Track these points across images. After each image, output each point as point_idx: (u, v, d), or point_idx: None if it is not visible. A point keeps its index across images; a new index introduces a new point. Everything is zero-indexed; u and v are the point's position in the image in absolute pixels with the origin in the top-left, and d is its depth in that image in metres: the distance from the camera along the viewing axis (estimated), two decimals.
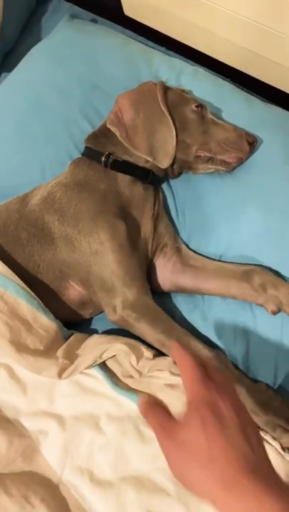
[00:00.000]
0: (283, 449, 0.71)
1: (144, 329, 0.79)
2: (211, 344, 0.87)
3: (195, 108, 0.90)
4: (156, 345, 0.80)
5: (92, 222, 0.83)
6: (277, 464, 0.70)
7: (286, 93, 1.11)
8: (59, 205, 0.85)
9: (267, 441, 0.71)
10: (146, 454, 0.72)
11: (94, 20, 1.25)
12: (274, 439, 0.72)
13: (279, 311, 0.83)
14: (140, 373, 0.79)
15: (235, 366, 0.84)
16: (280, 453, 0.71)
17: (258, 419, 0.73)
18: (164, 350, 0.79)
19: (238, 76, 1.13)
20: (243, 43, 1.05)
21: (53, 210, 0.85)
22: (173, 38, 1.21)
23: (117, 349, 0.78)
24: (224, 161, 0.90)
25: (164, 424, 0.48)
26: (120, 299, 0.80)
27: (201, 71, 1.06)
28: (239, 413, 0.46)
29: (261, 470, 0.43)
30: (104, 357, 0.78)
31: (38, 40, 1.16)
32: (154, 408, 0.50)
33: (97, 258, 0.82)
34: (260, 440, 0.46)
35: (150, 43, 1.21)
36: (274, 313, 0.83)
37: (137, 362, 0.78)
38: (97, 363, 0.78)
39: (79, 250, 0.83)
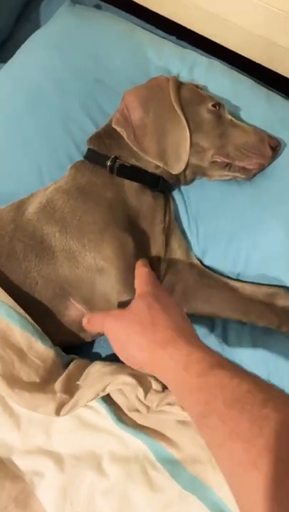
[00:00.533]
0: None
1: None
2: None
3: (212, 107, 0.80)
4: None
5: (99, 235, 0.74)
6: None
7: None
8: (60, 214, 0.76)
9: None
10: (155, 504, 0.64)
11: (98, 6, 1.14)
12: None
13: None
14: (148, 408, 0.70)
15: None
16: None
17: None
18: None
19: (258, 70, 1.03)
20: (264, 33, 0.94)
21: (53, 221, 0.76)
22: (185, 27, 1.10)
23: (121, 382, 0.69)
24: (243, 167, 0.80)
25: (112, 312, 0.63)
26: None
27: (217, 64, 0.95)
28: (180, 307, 0.61)
29: (193, 338, 0.55)
30: (108, 390, 0.70)
31: (36, 28, 1.05)
32: (94, 314, 0.66)
33: (102, 275, 0.73)
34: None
35: (160, 31, 1.10)
36: None
37: (145, 395, 0.70)
38: (100, 396, 0.69)
39: (83, 266, 0.74)
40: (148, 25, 1.11)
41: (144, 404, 0.70)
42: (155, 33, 1.06)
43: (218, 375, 0.46)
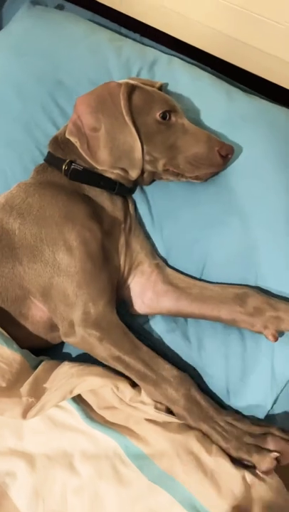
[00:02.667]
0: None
1: (107, 350, 0.72)
2: (191, 368, 0.80)
3: (160, 118, 0.79)
4: (120, 368, 0.72)
5: (56, 228, 0.75)
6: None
7: (270, 81, 1.01)
8: (18, 211, 0.77)
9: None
10: (124, 497, 0.66)
11: (60, 6, 1.14)
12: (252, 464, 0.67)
13: (280, 335, 0.74)
14: (121, 400, 0.72)
15: (210, 393, 0.78)
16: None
17: (230, 445, 0.67)
18: (127, 373, 0.72)
19: (220, 64, 1.03)
20: (223, 29, 0.95)
21: (12, 218, 0.77)
22: (147, 24, 1.10)
23: (88, 385, 0.71)
24: (195, 175, 0.81)
25: None
26: (81, 315, 0.72)
27: (177, 61, 0.96)
28: None
29: None
30: (75, 393, 0.71)
31: None
32: None
33: (61, 268, 0.73)
34: None
35: (123, 29, 1.11)
36: (275, 338, 0.73)
37: (117, 388, 0.71)
38: (67, 398, 0.70)
39: (41, 260, 0.74)
40: (112, 24, 1.11)
41: (117, 396, 0.72)
42: (118, 32, 1.07)
43: None
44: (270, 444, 0.67)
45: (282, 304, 0.75)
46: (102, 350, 0.72)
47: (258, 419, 0.76)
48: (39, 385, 0.73)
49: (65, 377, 0.72)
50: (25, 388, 0.71)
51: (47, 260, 0.74)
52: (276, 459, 0.66)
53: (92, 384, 0.70)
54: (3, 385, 0.70)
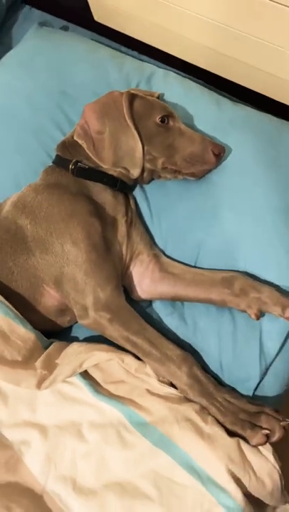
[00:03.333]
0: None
1: (116, 330, 0.79)
2: (188, 345, 0.87)
3: (159, 121, 0.89)
4: (128, 347, 0.80)
5: (63, 223, 0.83)
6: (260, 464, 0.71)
7: (255, 92, 1.11)
8: (30, 209, 0.86)
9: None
10: (128, 460, 0.72)
11: (65, 27, 1.25)
12: (244, 438, 0.73)
13: (262, 315, 0.83)
14: (127, 371, 0.79)
15: (206, 368, 0.84)
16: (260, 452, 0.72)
17: (226, 420, 0.74)
18: (134, 351, 0.80)
19: (210, 76, 1.14)
20: (211, 45, 1.05)
21: (24, 215, 0.85)
22: (145, 42, 1.21)
23: (96, 358, 0.78)
24: (191, 172, 0.90)
25: None
26: (92, 300, 0.80)
27: (172, 74, 1.06)
28: None
29: None
30: (85, 367, 0.78)
31: (9, 49, 1.16)
32: None
33: (70, 258, 0.82)
34: None
35: (123, 48, 1.21)
36: (257, 317, 0.83)
37: (123, 361, 0.79)
38: (77, 372, 0.78)
39: (51, 252, 0.83)
40: (113, 43, 1.22)
41: (124, 368, 0.79)
42: (118, 50, 1.17)
43: None
44: (263, 422, 0.74)
45: (266, 287, 0.83)
46: (112, 331, 0.80)
47: (253, 398, 0.83)
48: (51, 361, 0.80)
49: (75, 354, 0.80)
50: (39, 363, 0.78)
51: (57, 252, 0.82)
52: (266, 435, 0.73)
53: (100, 358, 0.78)
54: (19, 359, 0.77)
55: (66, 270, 0.82)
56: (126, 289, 0.90)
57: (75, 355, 0.80)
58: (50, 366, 0.79)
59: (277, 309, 0.81)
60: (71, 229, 0.82)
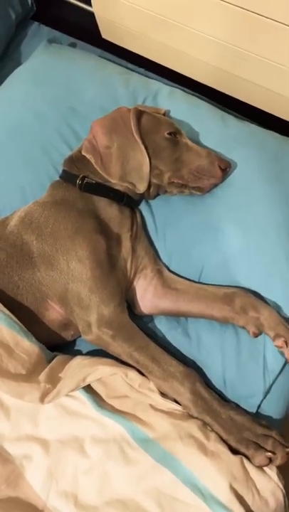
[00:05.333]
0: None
1: (119, 347, 0.80)
2: (191, 361, 0.87)
3: (167, 135, 0.90)
4: (131, 362, 0.80)
5: (69, 240, 0.84)
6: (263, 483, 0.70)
7: (260, 109, 1.13)
8: (36, 224, 0.86)
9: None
10: (131, 476, 0.71)
11: (73, 44, 1.28)
12: (247, 457, 0.72)
13: (260, 333, 0.84)
14: (131, 386, 0.79)
15: (210, 384, 0.84)
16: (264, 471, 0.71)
17: (230, 437, 0.73)
18: (138, 367, 0.80)
19: (215, 95, 1.15)
20: (217, 64, 1.07)
21: (30, 230, 0.86)
22: (151, 60, 1.23)
23: (100, 373, 0.78)
24: (198, 186, 0.91)
25: None
26: (96, 316, 0.81)
27: (178, 91, 1.08)
28: None
29: None
30: (88, 381, 0.78)
31: (18, 65, 1.18)
32: None
33: (75, 275, 0.82)
34: None
35: (130, 65, 1.23)
36: (255, 335, 0.83)
37: (126, 376, 0.79)
38: (80, 386, 0.78)
39: (57, 268, 0.83)
40: (120, 60, 1.24)
41: (127, 383, 0.79)
42: (126, 67, 1.19)
43: None
44: (268, 445, 0.73)
45: (266, 309, 0.83)
46: (115, 347, 0.80)
47: (256, 415, 0.83)
48: (55, 374, 0.80)
49: (78, 367, 0.80)
50: (42, 376, 0.78)
51: (62, 268, 0.83)
52: (269, 458, 0.72)
53: (104, 372, 0.78)
54: (23, 372, 0.77)
55: (71, 287, 0.83)
56: (129, 303, 0.90)
57: (78, 369, 0.80)
58: (53, 380, 0.79)
59: (271, 334, 0.82)
60: (77, 246, 0.83)
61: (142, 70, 1.22)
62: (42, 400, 0.76)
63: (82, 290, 0.82)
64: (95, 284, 0.82)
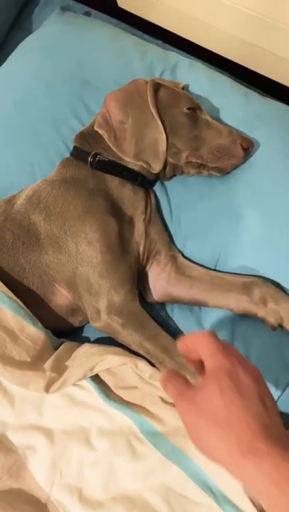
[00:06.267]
0: None
1: (129, 335, 0.76)
2: None
3: (187, 110, 0.84)
4: (142, 352, 0.76)
5: (79, 221, 0.79)
6: None
7: (286, 86, 1.05)
8: (44, 204, 0.81)
9: None
10: (139, 472, 0.68)
11: (87, 13, 1.20)
12: None
13: (279, 326, 0.79)
14: (140, 377, 0.75)
15: None
16: None
17: None
18: (148, 357, 0.76)
19: (238, 70, 1.08)
20: (241, 35, 1.00)
21: (38, 210, 0.81)
22: (170, 31, 1.16)
23: (109, 362, 0.74)
24: (217, 167, 0.85)
25: (182, 391, 0.49)
26: (106, 303, 0.76)
27: (198, 64, 1.01)
28: (258, 383, 0.47)
29: (277, 435, 0.43)
30: (96, 371, 0.74)
31: (29, 34, 1.11)
32: (174, 377, 0.51)
33: (84, 259, 0.78)
34: (276, 409, 0.47)
35: (147, 36, 1.16)
36: (273, 328, 0.78)
37: (136, 366, 0.75)
38: (88, 376, 0.74)
39: (65, 251, 0.79)
40: (136, 31, 1.17)
41: (137, 374, 0.75)
42: (142, 38, 1.12)
43: None
44: None
45: (286, 302, 0.78)
46: (125, 335, 0.76)
47: None
48: (61, 362, 0.76)
49: (86, 356, 0.76)
50: (48, 364, 0.74)
51: (71, 251, 0.78)
52: None
53: (112, 362, 0.74)
54: (28, 360, 0.74)
55: (80, 271, 0.78)
56: (140, 290, 0.86)
57: (86, 358, 0.76)
58: (59, 368, 0.75)
59: None
60: (87, 227, 0.78)
61: (159, 41, 1.15)
62: (47, 389, 0.72)
63: (92, 275, 0.77)
64: (105, 268, 0.77)
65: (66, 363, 0.77)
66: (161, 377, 0.51)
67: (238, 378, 0.46)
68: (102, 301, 0.76)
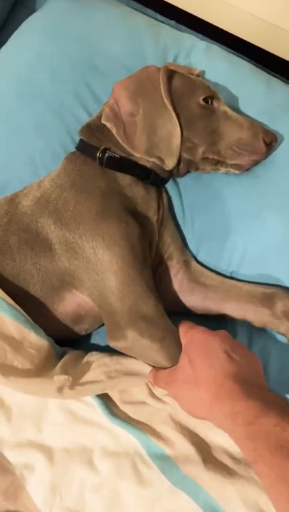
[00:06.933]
0: None
1: (160, 356, 0.68)
2: None
3: (203, 102, 0.77)
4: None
5: (94, 224, 0.72)
6: None
7: None
8: (54, 206, 0.74)
9: None
10: (144, 499, 0.63)
11: None
12: None
13: None
14: (150, 393, 0.70)
15: None
16: None
17: None
18: None
19: (259, 54, 0.99)
20: (264, 16, 0.91)
21: (47, 213, 0.74)
22: (185, 11, 1.07)
23: (129, 385, 0.69)
24: (236, 164, 0.78)
25: (165, 378, 0.64)
26: (133, 316, 0.68)
27: (215, 48, 0.92)
28: (224, 342, 0.59)
29: (237, 380, 0.54)
30: (117, 388, 0.69)
31: (32, 13, 1.02)
32: (159, 370, 0.66)
33: (104, 264, 0.70)
34: (250, 361, 0.59)
35: (159, 16, 1.07)
36: None
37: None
38: (106, 391, 0.69)
39: (82, 257, 0.72)
40: (148, 10, 1.08)
41: (147, 388, 0.70)
42: (154, 18, 1.04)
43: (262, 423, 0.49)
44: None
45: None
46: (153, 355, 0.68)
47: None
48: (70, 368, 0.71)
49: (99, 366, 0.71)
50: (57, 369, 0.69)
51: (88, 257, 0.71)
52: None
53: (134, 383, 0.69)
54: (32, 368, 0.68)
55: (101, 278, 0.70)
56: None
57: (100, 370, 0.70)
58: (72, 372, 0.70)
59: None
60: (103, 230, 0.71)
61: (172, 22, 1.06)
62: (60, 390, 0.66)
63: (114, 282, 0.69)
64: (128, 275, 0.69)
65: (76, 370, 0.71)
66: (150, 375, 0.65)
67: (206, 344, 0.59)
68: (127, 313, 0.68)
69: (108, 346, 0.79)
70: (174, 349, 0.67)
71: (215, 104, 0.78)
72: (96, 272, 0.71)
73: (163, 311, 0.70)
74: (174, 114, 0.74)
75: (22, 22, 1.00)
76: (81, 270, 0.72)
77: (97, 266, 0.71)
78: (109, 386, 0.68)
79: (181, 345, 0.68)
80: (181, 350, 0.67)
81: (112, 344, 0.71)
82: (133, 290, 0.68)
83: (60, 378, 0.67)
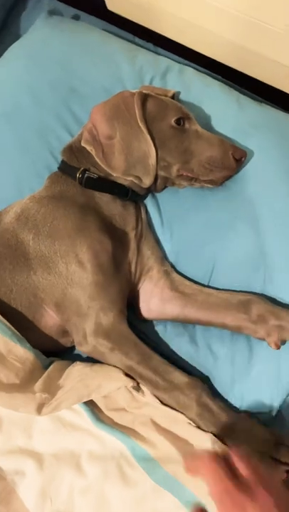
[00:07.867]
0: None
1: (118, 360, 0.73)
2: (198, 371, 0.81)
3: (175, 124, 0.81)
4: (134, 376, 0.73)
5: (69, 240, 0.76)
6: None
7: (280, 90, 1.02)
8: (33, 222, 0.79)
9: None
10: (129, 499, 0.66)
11: (76, 16, 1.17)
12: None
13: (283, 343, 0.76)
14: (132, 397, 0.73)
15: (218, 396, 0.78)
16: None
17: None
18: (140, 381, 0.73)
19: (231, 74, 1.05)
20: (233, 38, 0.96)
21: (27, 229, 0.78)
22: (160, 34, 1.12)
23: (105, 389, 0.72)
24: (209, 179, 0.82)
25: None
26: (93, 326, 0.74)
27: (189, 70, 0.98)
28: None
29: None
30: (92, 397, 0.72)
31: (17, 38, 1.07)
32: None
33: (74, 280, 0.75)
34: None
35: (138, 39, 1.13)
36: (277, 346, 0.75)
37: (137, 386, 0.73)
38: (83, 401, 0.71)
39: (55, 272, 0.76)
40: (126, 34, 1.13)
41: (130, 394, 0.73)
42: (133, 41, 1.09)
43: None
44: (282, 455, 0.67)
45: (285, 313, 0.75)
46: (113, 360, 0.74)
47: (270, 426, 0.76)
48: (52, 382, 0.74)
49: (80, 377, 0.73)
50: (39, 385, 0.72)
51: (60, 272, 0.76)
52: (287, 471, 0.66)
53: (109, 388, 0.72)
54: (17, 382, 0.71)
55: (69, 292, 0.75)
56: (132, 307, 0.84)
57: (80, 380, 0.73)
58: (51, 388, 0.73)
59: None
60: (77, 247, 0.75)
61: (150, 45, 1.11)
62: (39, 410, 0.70)
63: (82, 297, 0.74)
64: (95, 290, 0.74)
65: (58, 382, 0.74)
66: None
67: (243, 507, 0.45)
68: (89, 323, 0.74)
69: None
70: (124, 359, 0.72)
71: (187, 124, 0.82)
72: (65, 287, 0.75)
73: (121, 324, 0.75)
74: (148, 137, 0.78)
75: (7, 47, 1.05)
76: (52, 285, 0.76)
77: (68, 281, 0.75)
78: (85, 396, 0.71)
79: (133, 355, 0.72)
80: (133, 361, 0.72)
81: (78, 348, 0.77)
82: (97, 303, 0.74)
83: (41, 396, 0.70)
